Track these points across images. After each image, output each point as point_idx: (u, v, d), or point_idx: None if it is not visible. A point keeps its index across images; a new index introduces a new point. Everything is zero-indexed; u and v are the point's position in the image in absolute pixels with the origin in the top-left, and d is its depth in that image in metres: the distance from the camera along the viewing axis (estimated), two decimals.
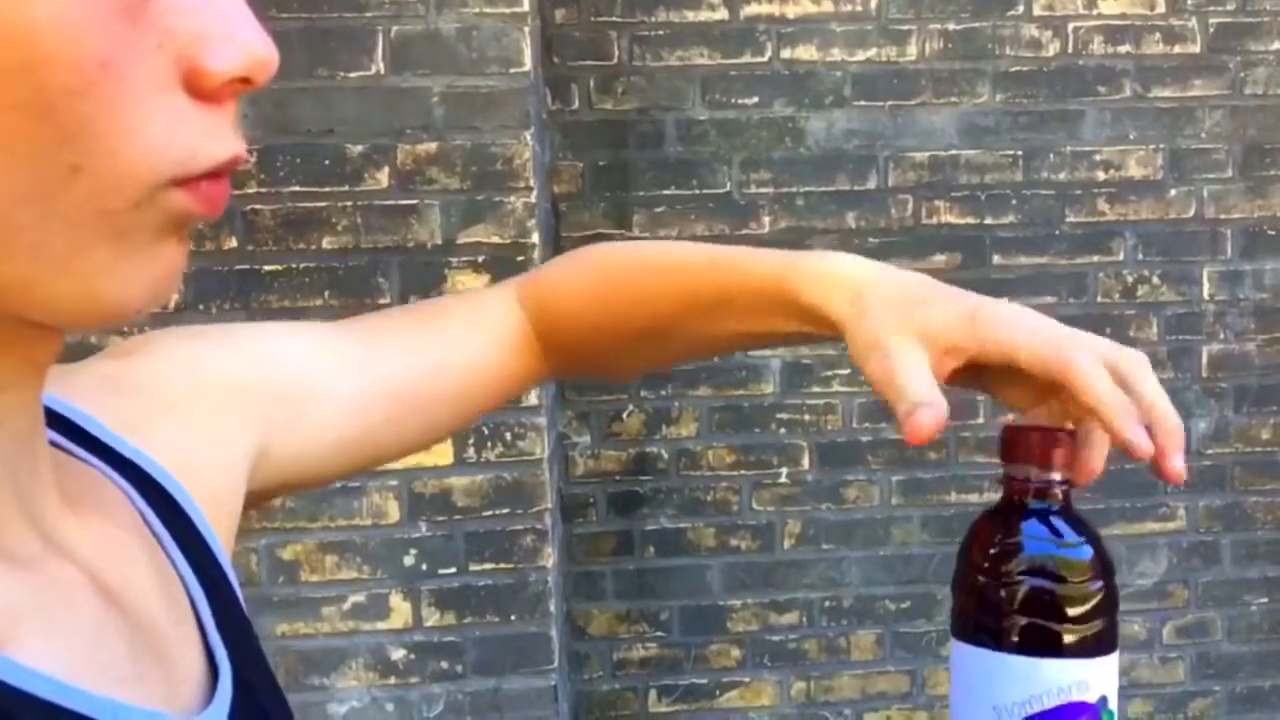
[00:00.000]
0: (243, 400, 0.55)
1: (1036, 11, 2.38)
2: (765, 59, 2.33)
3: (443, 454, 1.89)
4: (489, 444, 1.90)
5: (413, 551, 1.89)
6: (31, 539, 0.38)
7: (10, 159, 0.31)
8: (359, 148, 1.82)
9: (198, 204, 0.35)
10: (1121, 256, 2.45)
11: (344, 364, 0.60)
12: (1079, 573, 0.46)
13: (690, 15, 2.31)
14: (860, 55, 2.35)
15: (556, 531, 2.05)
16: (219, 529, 0.50)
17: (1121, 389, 0.50)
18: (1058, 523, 0.47)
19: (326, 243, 1.83)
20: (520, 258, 1.86)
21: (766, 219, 2.37)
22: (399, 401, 0.62)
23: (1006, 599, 0.45)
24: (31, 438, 0.39)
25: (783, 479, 2.42)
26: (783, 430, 2.41)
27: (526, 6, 1.81)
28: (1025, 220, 2.42)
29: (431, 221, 1.85)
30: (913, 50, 2.36)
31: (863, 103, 2.36)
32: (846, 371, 2.40)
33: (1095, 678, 0.45)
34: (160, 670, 0.40)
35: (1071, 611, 0.45)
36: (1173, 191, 2.45)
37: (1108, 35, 2.40)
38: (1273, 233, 2.48)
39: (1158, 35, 2.41)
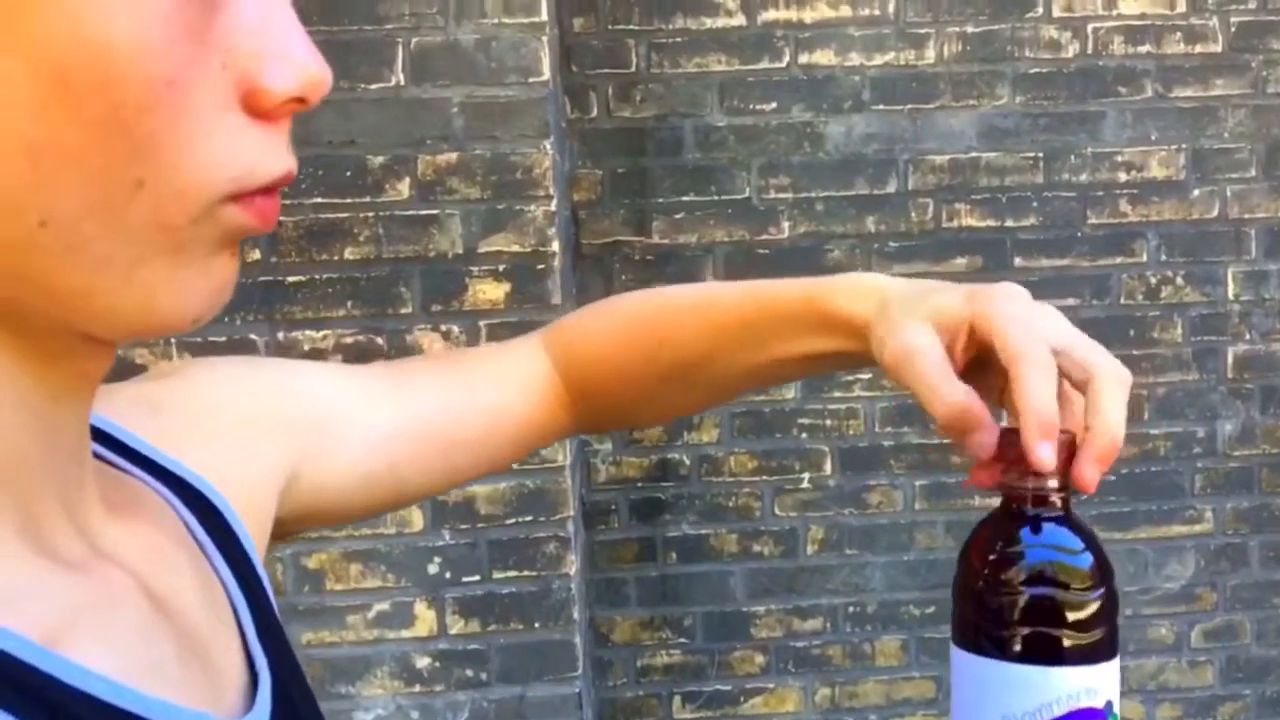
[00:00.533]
0: (274, 425, 0.56)
1: (1055, 13, 2.37)
2: (783, 65, 2.33)
3: None
4: None
5: (437, 560, 1.90)
6: (78, 544, 0.39)
7: (83, 172, 0.32)
8: (380, 159, 1.83)
9: (252, 219, 0.36)
10: (1144, 258, 2.44)
11: (372, 400, 0.61)
12: (1081, 579, 0.46)
13: (708, 22, 2.31)
14: (878, 59, 2.35)
15: (579, 538, 2.06)
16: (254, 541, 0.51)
17: (1081, 394, 0.49)
18: (1057, 529, 0.47)
19: (349, 253, 1.85)
20: (540, 266, 1.87)
21: (786, 224, 2.37)
22: (424, 439, 0.62)
23: (1010, 608, 0.46)
24: (79, 450, 0.40)
25: (805, 484, 2.42)
26: (804, 435, 2.41)
27: (545, 16, 1.82)
28: (1047, 222, 2.41)
29: (452, 231, 1.86)
30: (931, 53, 2.36)
31: (881, 107, 2.36)
32: (868, 376, 2.39)
33: (1101, 683, 0.46)
34: (205, 674, 0.41)
35: (1075, 618, 0.46)
36: (1195, 192, 2.43)
37: (1128, 35, 2.39)
38: None
39: (1178, 35, 2.40)
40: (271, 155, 0.36)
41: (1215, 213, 2.44)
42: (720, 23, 2.31)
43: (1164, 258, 2.44)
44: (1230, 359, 2.47)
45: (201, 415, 0.53)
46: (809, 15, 2.33)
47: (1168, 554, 2.48)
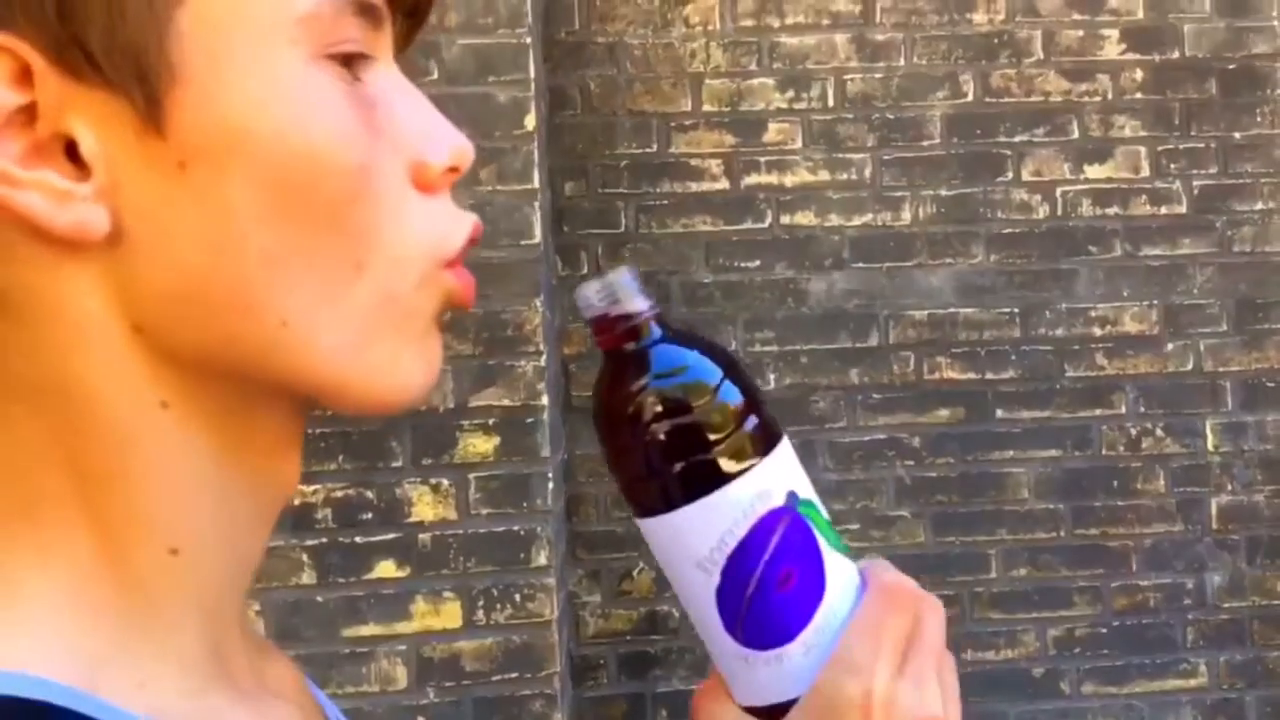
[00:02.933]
0: None
1: (1025, 177, 2.48)
2: (766, 225, 2.43)
3: (452, 616, 1.88)
4: (498, 606, 1.89)
5: (420, 719, 1.87)
6: (249, 673, 0.41)
7: (310, 267, 0.36)
8: None
9: (462, 286, 0.40)
10: (1123, 410, 2.49)
11: None
12: (704, 391, 0.42)
13: (693, 186, 2.42)
14: (857, 220, 2.45)
15: (566, 695, 2.03)
16: None
17: None
18: (663, 351, 0.43)
19: None
20: (530, 419, 1.90)
21: (772, 376, 2.42)
22: None
23: (654, 457, 0.41)
24: (248, 581, 0.42)
25: None
26: None
27: (536, 184, 1.91)
28: (1026, 375, 2.47)
29: (444, 386, 1.90)
30: (907, 215, 2.46)
31: (861, 264, 2.44)
32: (856, 526, 2.40)
33: (772, 480, 0.42)
34: None
35: (718, 433, 0.41)
36: (1169, 346, 2.50)
37: (1095, 198, 2.50)
38: (1271, 385, 2.51)
39: (1144, 197, 2.51)
40: (457, 218, 0.40)
41: (1190, 366, 2.50)
42: (705, 186, 2.42)
43: (1143, 410, 2.49)
44: (1214, 510, 2.49)
45: None
46: (790, 180, 2.43)
47: (1164, 709, 2.44)
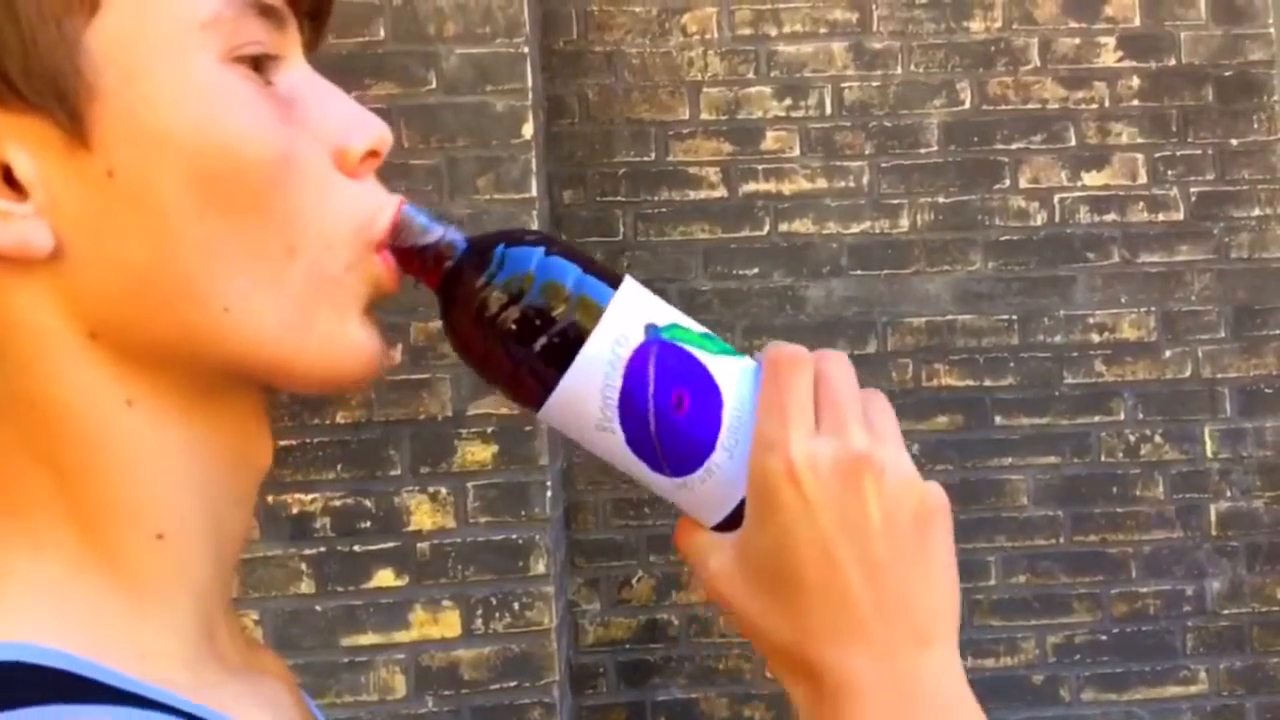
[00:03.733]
0: None
1: (1022, 184, 2.49)
2: (764, 232, 2.43)
3: (450, 625, 1.88)
4: (497, 614, 1.89)
5: None
6: (236, 653, 0.43)
7: (244, 255, 0.38)
8: None
9: (387, 270, 0.42)
10: (1122, 416, 2.49)
11: None
12: (528, 272, 0.43)
13: (691, 194, 2.42)
14: (855, 228, 2.45)
15: (565, 703, 2.02)
16: None
17: None
18: (479, 257, 0.44)
19: (340, 417, 1.88)
20: (528, 427, 1.90)
21: None
22: None
23: (514, 350, 0.43)
24: (234, 564, 0.44)
25: None
26: None
27: (534, 192, 1.91)
28: (1024, 382, 2.47)
29: (442, 394, 1.90)
30: (905, 222, 2.46)
31: (859, 272, 2.44)
32: None
33: (625, 323, 0.44)
34: None
35: (556, 305, 0.43)
36: (1167, 352, 2.50)
37: (1093, 205, 2.50)
38: (1270, 391, 2.51)
39: (1141, 204, 2.51)
40: (380, 198, 0.42)
41: (1188, 373, 2.50)
42: (703, 194, 2.42)
43: (1141, 416, 2.49)
44: (1213, 516, 2.48)
45: None
46: (787, 187, 2.44)
47: (1164, 716, 2.44)
